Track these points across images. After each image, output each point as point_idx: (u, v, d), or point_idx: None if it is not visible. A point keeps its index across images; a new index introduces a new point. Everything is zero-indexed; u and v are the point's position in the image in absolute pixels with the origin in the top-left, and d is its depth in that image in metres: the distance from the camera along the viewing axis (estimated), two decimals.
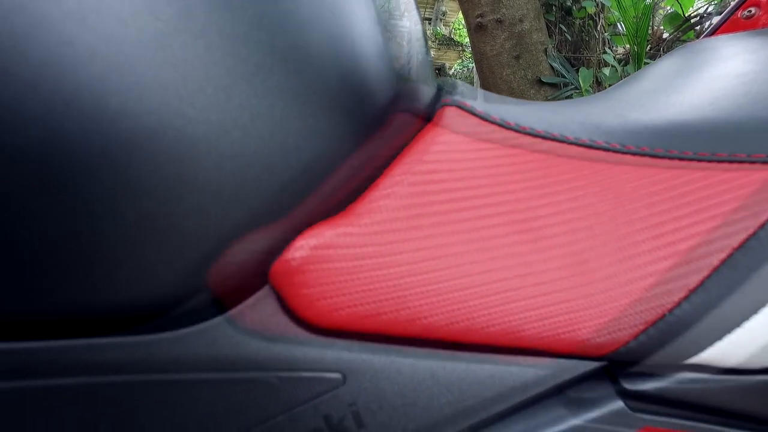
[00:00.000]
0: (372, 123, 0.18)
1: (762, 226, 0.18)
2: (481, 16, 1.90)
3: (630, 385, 0.19)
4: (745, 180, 0.19)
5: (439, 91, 0.23)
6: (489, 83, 1.99)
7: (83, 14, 0.13)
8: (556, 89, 1.93)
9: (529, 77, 1.92)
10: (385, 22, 0.20)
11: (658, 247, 0.19)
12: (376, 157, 0.19)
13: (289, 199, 0.16)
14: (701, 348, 0.18)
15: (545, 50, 1.94)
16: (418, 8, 0.24)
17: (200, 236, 0.15)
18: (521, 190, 0.19)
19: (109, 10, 0.14)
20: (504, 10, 1.88)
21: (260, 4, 0.16)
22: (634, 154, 0.20)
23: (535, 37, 1.92)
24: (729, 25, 0.40)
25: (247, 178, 0.15)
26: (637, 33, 2.00)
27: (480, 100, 0.22)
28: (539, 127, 0.21)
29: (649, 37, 2.06)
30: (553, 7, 2.20)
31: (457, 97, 0.21)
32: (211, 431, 0.17)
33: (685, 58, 0.30)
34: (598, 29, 2.14)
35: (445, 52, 7.59)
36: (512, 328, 0.18)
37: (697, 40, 0.33)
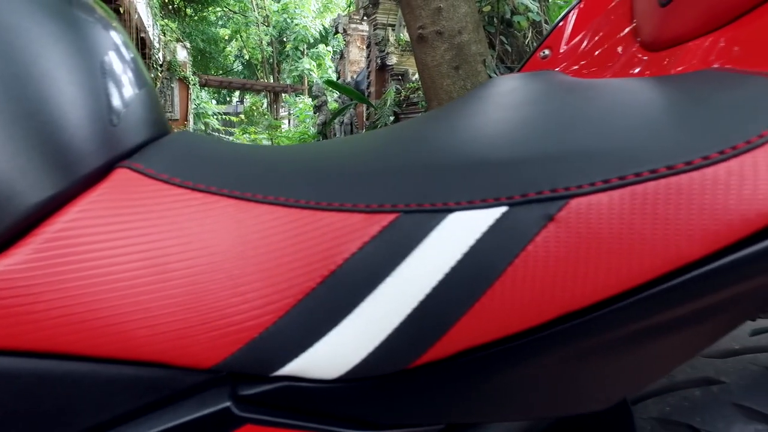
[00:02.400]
0: (51, 174, 0.22)
1: (339, 266, 0.23)
2: (422, 27, 1.95)
3: (238, 391, 0.24)
4: (336, 225, 0.23)
5: (144, 144, 0.26)
6: (431, 93, 2.04)
7: None
8: None
9: (468, 87, 1.98)
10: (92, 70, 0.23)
11: (258, 279, 0.23)
12: (45, 207, 0.22)
13: None
14: (284, 363, 0.23)
15: (484, 61, 2.00)
16: (134, 51, 0.27)
17: None
18: (161, 233, 0.23)
19: None
20: (444, 22, 1.93)
21: None
22: (266, 203, 0.24)
23: (474, 48, 1.98)
24: (530, 64, 0.44)
25: None
26: None
27: (175, 157, 0.25)
28: (205, 182, 0.25)
29: None
30: (494, 20, 2.28)
31: (136, 159, 0.25)
32: None
33: (471, 95, 0.33)
34: (528, 42, 2.23)
35: (408, 59, 7.68)
36: (134, 344, 0.22)
37: (501, 77, 0.36)
